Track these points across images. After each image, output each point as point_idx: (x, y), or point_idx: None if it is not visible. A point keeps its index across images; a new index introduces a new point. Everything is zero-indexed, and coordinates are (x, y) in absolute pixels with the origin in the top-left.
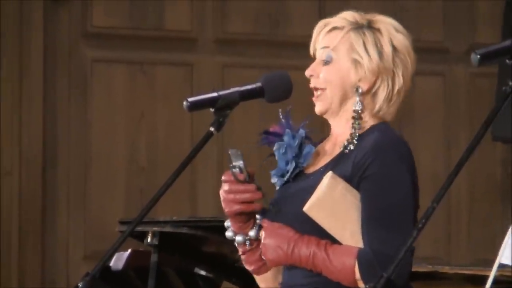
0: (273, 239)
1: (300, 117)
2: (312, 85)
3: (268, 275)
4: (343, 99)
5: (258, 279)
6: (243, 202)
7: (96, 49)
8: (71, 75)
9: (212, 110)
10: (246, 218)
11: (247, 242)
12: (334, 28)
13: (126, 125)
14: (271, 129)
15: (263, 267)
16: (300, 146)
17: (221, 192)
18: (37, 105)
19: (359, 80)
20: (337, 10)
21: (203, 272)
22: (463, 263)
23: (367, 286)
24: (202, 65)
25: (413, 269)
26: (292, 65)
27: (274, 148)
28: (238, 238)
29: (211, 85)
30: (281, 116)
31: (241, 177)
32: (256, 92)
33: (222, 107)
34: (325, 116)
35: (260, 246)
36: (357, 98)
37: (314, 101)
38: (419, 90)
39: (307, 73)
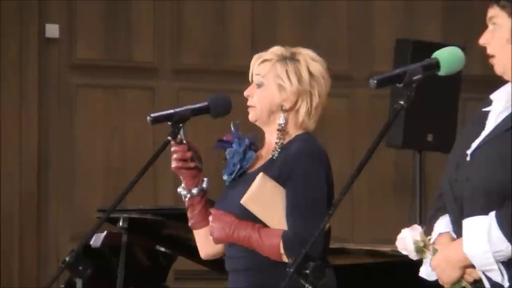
0: (218, 223)
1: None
2: (248, 103)
3: (201, 231)
4: (270, 114)
5: (195, 232)
6: (180, 160)
7: (79, 77)
8: (60, 98)
9: (169, 123)
10: (191, 176)
11: (188, 196)
12: (265, 60)
13: (103, 137)
14: (224, 138)
15: (198, 223)
16: (245, 152)
17: None
18: (34, 121)
19: (284, 100)
20: (265, 47)
21: (162, 249)
22: (363, 241)
23: (289, 259)
24: (162, 89)
25: None
26: (233, 89)
27: (226, 153)
28: (183, 192)
29: (169, 105)
30: (231, 128)
31: (177, 139)
32: (203, 110)
33: (177, 121)
34: (257, 125)
35: (208, 227)
36: (282, 115)
37: (249, 111)
38: (329, 109)
39: (245, 93)
